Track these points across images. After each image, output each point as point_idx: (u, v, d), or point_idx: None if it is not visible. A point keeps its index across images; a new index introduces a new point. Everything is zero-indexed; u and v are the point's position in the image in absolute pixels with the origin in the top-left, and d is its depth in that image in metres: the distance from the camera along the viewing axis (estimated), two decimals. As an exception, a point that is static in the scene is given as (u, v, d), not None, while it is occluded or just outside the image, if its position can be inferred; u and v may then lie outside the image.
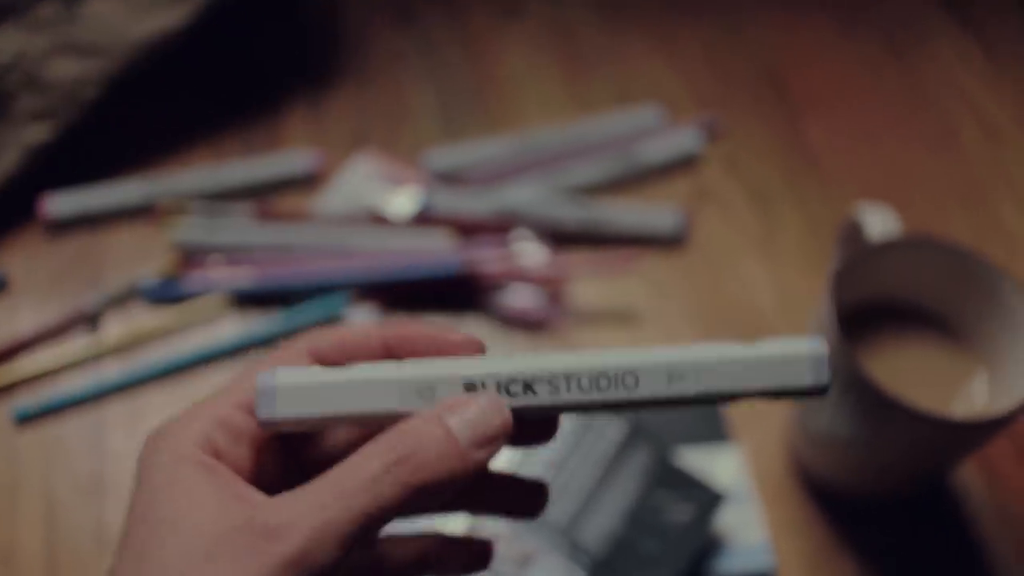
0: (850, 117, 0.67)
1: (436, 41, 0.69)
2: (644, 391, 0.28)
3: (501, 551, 0.46)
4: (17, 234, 0.58)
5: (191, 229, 0.57)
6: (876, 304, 0.50)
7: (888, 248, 0.47)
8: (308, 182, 0.61)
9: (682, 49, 0.70)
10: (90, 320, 0.55)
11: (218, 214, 0.58)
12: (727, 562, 0.49)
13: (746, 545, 0.50)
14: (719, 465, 0.52)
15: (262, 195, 0.61)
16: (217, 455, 0.27)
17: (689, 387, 0.28)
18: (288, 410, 0.27)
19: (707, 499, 0.48)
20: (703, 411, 0.53)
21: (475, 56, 0.68)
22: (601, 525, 0.47)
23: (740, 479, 0.51)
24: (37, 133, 0.58)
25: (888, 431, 0.44)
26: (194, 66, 0.65)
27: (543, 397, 0.28)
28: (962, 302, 0.48)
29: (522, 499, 0.32)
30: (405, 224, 0.58)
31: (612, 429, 0.50)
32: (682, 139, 0.64)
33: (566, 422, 0.49)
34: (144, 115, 0.63)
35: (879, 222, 0.50)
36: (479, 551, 0.32)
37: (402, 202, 0.59)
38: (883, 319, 0.50)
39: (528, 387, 0.28)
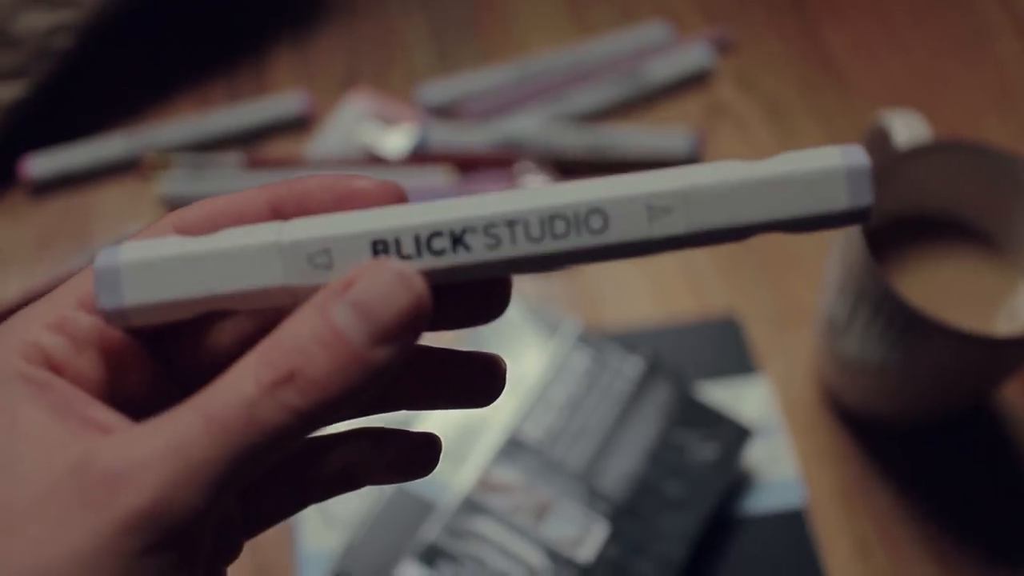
0: (871, 21, 0.63)
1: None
2: (616, 234, 0.21)
3: (515, 502, 0.43)
4: (-1, 198, 0.56)
5: (178, 182, 0.55)
6: (907, 217, 0.46)
7: (917, 154, 0.44)
8: (299, 126, 0.58)
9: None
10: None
11: (206, 165, 0.55)
12: (757, 499, 0.46)
13: (776, 480, 0.47)
14: (745, 398, 0.49)
15: (251, 142, 0.58)
16: (55, 368, 0.21)
17: (677, 223, 0.21)
18: (138, 295, 0.21)
19: (733, 435, 0.45)
20: (726, 340, 0.50)
21: (468, -18, 0.65)
22: (621, 469, 0.44)
23: (767, 411, 0.48)
24: (10, 91, 0.55)
25: (924, 353, 0.41)
26: (173, 10, 0.62)
27: (479, 253, 0.21)
28: (1001, 210, 0.44)
29: (471, 381, 0.24)
30: (402, 163, 0.55)
31: (628, 365, 0.47)
32: (691, 55, 0.60)
33: (579, 360, 0.47)
34: (123, 66, 0.60)
35: (907, 128, 0.46)
36: (424, 451, 0.25)
37: (397, 140, 0.56)
38: (915, 233, 0.46)
39: (458, 240, 0.21)
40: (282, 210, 0.23)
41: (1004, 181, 0.44)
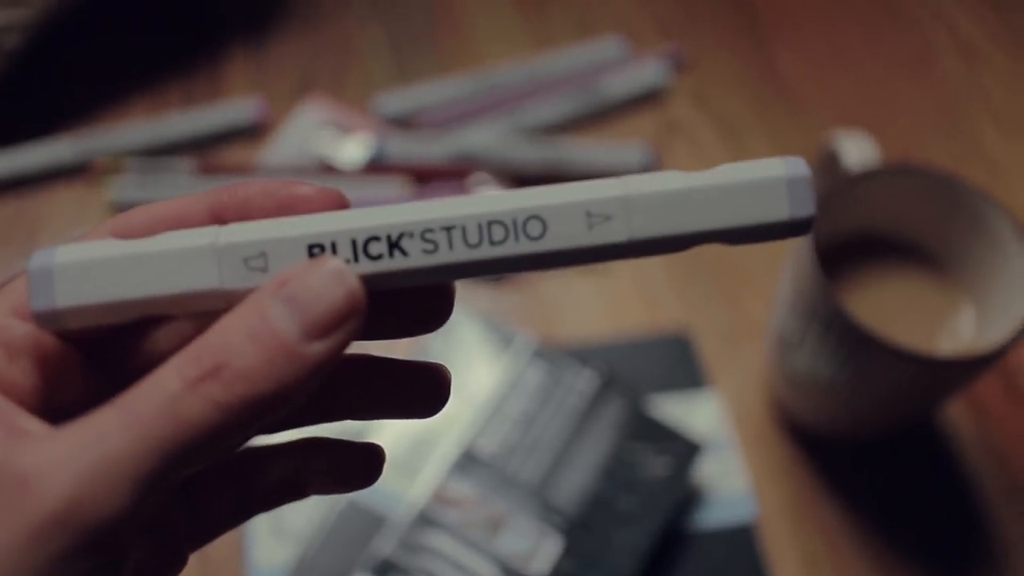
0: (821, 41, 0.64)
1: (384, -23, 0.65)
2: (555, 241, 0.20)
3: (469, 516, 0.43)
4: (-57, 201, 0.55)
5: (129, 187, 0.54)
6: (856, 237, 0.47)
7: (868, 177, 0.45)
8: (253, 133, 0.58)
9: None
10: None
11: (157, 170, 0.54)
12: (708, 514, 0.47)
13: (727, 495, 0.47)
14: (696, 412, 0.49)
15: (204, 148, 0.57)
16: None
17: (617, 231, 0.20)
18: (71, 297, 0.20)
19: (684, 451, 0.46)
20: (678, 355, 0.51)
21: (426, -8, 0.65)
22: (575, 483, 0.44)
23: (718, 427, 0.49)
24: (-43, 91, 0.54)
25: (871, 370, 0.42)
26: (127, 10, 0.61)
27: (416, 258, 0.21)
28: (947, 232, 0.46)
29: (416, 391, 0.24)
30: (357, 173, 0.55)
31: (582, 381, 0.47)
32: (646, 72, 0.60)
33: (533, 374, 0.47)
34: (74, 67, 0.59)
35: (856, 150, 0.47)
36: (367, 460, 0.25)
37: (353, 150, 0.56)
38: (863, 253, 0.47)
39: (395, 245, 0.20)
40: (223, 216, 0.22)
41: (949, 204, 0.45)
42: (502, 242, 0.21)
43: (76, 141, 0.56)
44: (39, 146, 0.55)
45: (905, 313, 0.45)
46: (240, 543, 0.45)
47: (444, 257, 0.21)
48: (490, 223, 0.21)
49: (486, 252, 0.21)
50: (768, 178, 0.21)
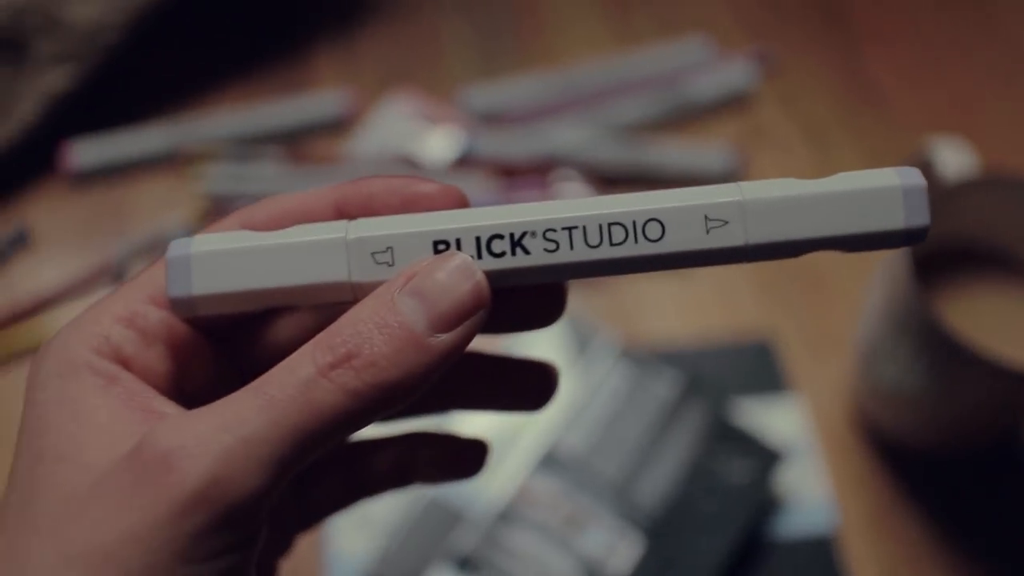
0: (912, 50, 0.63)
1: (471, -26, 0.66)
2: (673, 243, 0.21)
3: (551, 513, 0.43)
4: (39, 186, 0.56)
5: (218, 176, 0.55)
6: (952, 248, 0.46)
7: (966, 187, 0.44)
8: (341, 124, 0.58)
9: (732, -22, 0.66)
10: (116, 273, 0.53)
11: (246, 159, 0.55)
12: (788, 522, 0.46)
13: (807, 504, 0.47)
14: (778, 420, 0.49)
15: (293, 140, 0.58)
16: (123, 362, 0.21)
17: (735, 235, 0.21)
18: (206, 284, 0.21)
19: (765, 458, 0.45)
20: (760, 362, 0.50)
21: (512, -11, 0.65)
22: (656, 485, 0.44)
23: (800, 433, 0.48)
24: (57, 79, 0.55)
25: (964, 384, 0.41)
26: (219, 6, 0.62)
27: (537, 256, 0.21)
28: (1046, 245, 0.45)
29: (525, 386, 0.25)
30: (442, 167, 0.55)
31: (666, 384, 0.47)
32: (733, 74, 0.60)
33: (616, 379, 0.47)
34: (168, 59, 0.61)
35: (953, 158, 0.46)
36: (472, 453, 0.26)
37: (440, 143, 0.56)
38: (960, 264, 0.46)
39: (517, 243, 0.21)
40: (347, 210, 0.23)
41: (1050, 216, 0.44)
42: (622, 243, 0.21)
43: (167, 131, 0.57)
44: (131, 135, 0.57)
45: (1000, 326, 0.44)
46: (321, 530, 0.46)
47: (565, 256, 0.21)
48: (610, 224, 0.21)
49: (606, 253, 0.21)
50: (884, 187, 0.21)
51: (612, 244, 0.21)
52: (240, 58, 0.61)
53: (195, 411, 0.20)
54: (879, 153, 0.58)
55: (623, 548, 0.43)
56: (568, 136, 0.56)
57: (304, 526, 0.26)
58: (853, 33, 0.63)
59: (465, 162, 0.56)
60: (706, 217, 0.21)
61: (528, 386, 0.25)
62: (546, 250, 0.21)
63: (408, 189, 0.23)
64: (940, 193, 0.44)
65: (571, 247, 0.21)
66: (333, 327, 0.20)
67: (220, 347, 0.24)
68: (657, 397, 0.46)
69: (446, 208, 0.22)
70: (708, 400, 0.46)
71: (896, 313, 0.42)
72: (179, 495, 0.18)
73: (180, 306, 0.21)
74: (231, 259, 0.21)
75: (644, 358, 0.48)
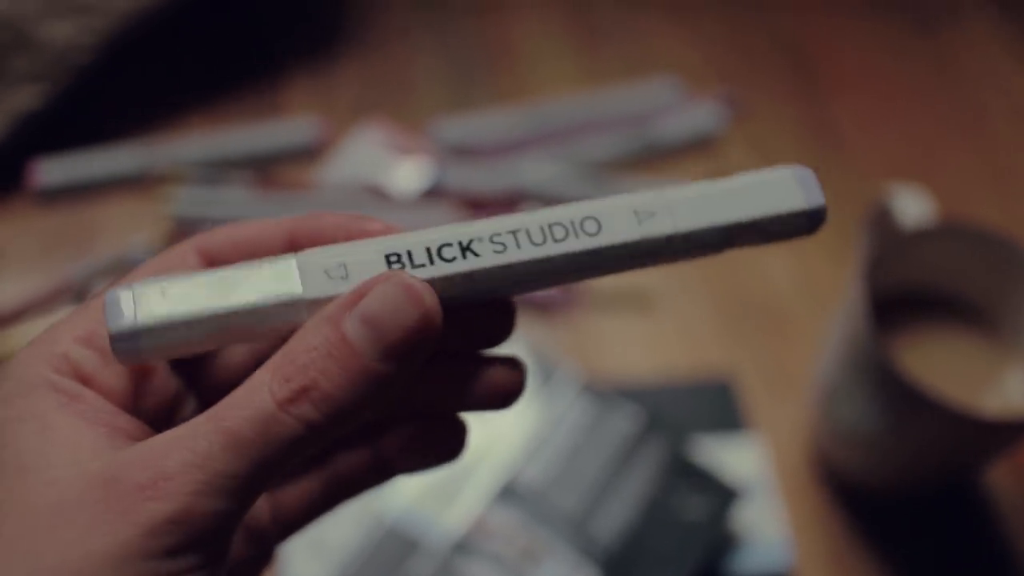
0: (876, 97, 0.64)
1: (447, 8, 0.66)
2: (610, 236, 0.23)
3: (508, 545, 0.43)
4: (5, 202, 0.56)
5: (186, 200, 0.55)
6: (910, 293, 0.47)
7: (923, 235, 0.45)
8: (311, 152, 0.59)
9: (701, 23, 0.67)
10: (78, 292, 0.53)
11: (215, 183, 0.55)
12: (743, 560, 0.47)
13: (763, 542, 0.47)
14: (737, 456, 0.49)
15: (262, 166, 0.58)
16: (84, 380, 0.22)
17: (664, 225, 0.23)
18: (150, 313, 0.21)
19: (723, 496, 0.46)
20: (720, 401, 0.51)
21: (487, 25, 0.66)
22: (614, 519, 0.45)
23: (758, 472, 0.49)
24: (27, 98, 0.55)
25: (918, 426, 0.42)
26: (193, 30, 0.63)
27: (487, 258, 0.22)
28: (1000, 293, 0.46)
29: (493, 384, 0.25)
30: (411, 198, 0.56)
31: (626, 419, 0.47)
32: (700, 116, 0.61)
33: (577, 413, 0.47)
34: (140, 80, 0.61)
35: (911, 206, 0.47)
36: (449, 435, 0.26)
37: (409, 174, 0.57)
38: (914, 309, 0.47)
39: (467, 248, 0.22)
40: (299, 242, 0.24)
41: (1003, 265, 0.45)
42: (563, 239, 0.23)
43: (136, 152, 0.57)
44: (99, 154, 0.57)
45: (954, 371, 0.45)
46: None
47: (511, 255, 0.22)
48: (551, 225, 0.23)
49: (548, 249, 0.23)
50: (781, 175, 0.24)
51: (555, 240, 0.23)
52: (212, 82, 0.61)
53: (162, 440, 0.20)
54: (840, 197, 0.59)
55: (579, 582, 0.43)
56: (537, 171, 0.57)
57: (283, 535, 0.26)
58: (818, 80, 0.65)
59: (434, 193, 0.56)
60: (635, 211, 0.23)
61: (496, 383, 0.25)
62: (495, 251, 0.22)
63: (356, 226, 0.24)
64: (898, 240, 0.45)
65: (518, 246, 0.22)
66: (285, 353, 0.21)
67: (177, 366, 0.24)
68: (617, 432, 0.47)
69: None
70: (668, 436, 0.47)
71: (853, 356, 0.43)
72: (149, 521, 0.19)
73: (122, 343, 0.21)
74: (171, 288, 0.21)
75: (605, 393, 0.48)
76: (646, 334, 0.54)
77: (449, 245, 0.22)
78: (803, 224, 0.24)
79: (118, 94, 0.60)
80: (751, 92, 0.64)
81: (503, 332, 0.25)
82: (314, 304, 0.21)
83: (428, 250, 0.22)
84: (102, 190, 0.56)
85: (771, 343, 0.54)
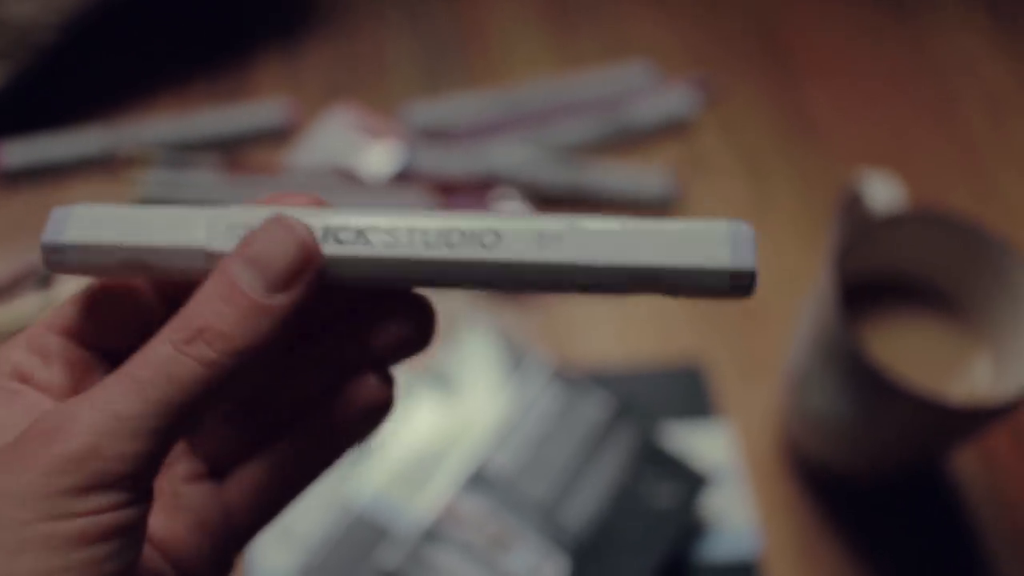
0: (850, 83, 0.64)
1: (418, -11, 0.66)
2: (505, 252, 0.22)
3: (477, 532, 0.43)
4: (-33, 183, 0.55)
5: (153, 183, 0.54)
6: (880, 280, 0.47)
7: (893, 222, 0.45)
8: (281, 135, 0.58)
9: (675, 6, 0.67)
10: (41, 277, 0.52)
11: (183, 165, 0.55)
12: (712, 546, 0.47)
13: (732, 528, 0.47)
14: (707, 443, 0.49)
15: (231, 148, 0.57)
16: (22, 378, 0.24)
17: (564, 252, 0.22)
18: (77, 234, 0.23)
19: (692, 482, 0.46)
20: (690, 387, 0.51)
21: (460, 7, 0.65)
22: (583, 506, 0.44)
23: (728, 458, 0.49)
24: (-11, 75, 0.54)
25: (887, 414, 0.42)
26: (161, 9, 0.62)
27: (377, 248, 0.23)
28: (969, 280, 0.46)
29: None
30: (382, 181, 0.55)
31: (596, 406, 0.47)
32: (673, 100, 0.61)
33: (547, 400, 0.47)
34: (106, 61, 0.60)
35: (883, 191, 0.47)
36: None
37: (380, 157, 0.56)
38: (884, 295, 0.47)
39: (361, 234, 0.23)
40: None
41: (973, 253, 0.45)
42: (456, 245, 0.22)
43: (102, 133, 0.56)
44: (65, 136, 0.56)
45: (923, 358, 0.45)
46: (244, 545, 0.45)
47: (402, 251, 0.23)
48: (450, 230, 0.23)
49: (439, 252, 0.23)
50: (714, 228, 0.22)
51: (448, 246, 0.23)
52: (180, 63, 0.60)
53: (79, 396, 0.22)
54: (812, 183, 0.59)
55: (548, 569, 0.43)
56: (508, 155, 0.56)
57: (243, 539, 0.26)
58: (792, 65, 0.65)
59: (405, 177, 0.55)
60: (540, 234, 0.22)
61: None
62: (386, 244, 0.23)
63: (281, 200, 0.25)
64: (869, 226, 0.45)
65: (409, 244, 0.23)
66: (185, 308, 0.22)
67: (113, 365, 0.25)
68: (587, 419, 0.47)
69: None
70: (637, 423, 0.47)
71: (824, 342, 0.43)
72: (53, 460, 0.20)
73: (51, 251, 0.24)
74: (105, 218, 0.24)
75: (576, 379, 0.48)
76: (617, 320, 0.53)
77: (346, 229, 0.23)
78: (723, 285, 0.22)
79: (84, 74, 0.59)
80: (725, 76, 0.63)
81: (422, 337, 0.25)
82: (212, 257, 0.23)
83: (326, 229, 0.23)
84: (67, 172, 0.56)
85: (742, 329, 0.54)
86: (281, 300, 0.22)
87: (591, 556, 0.43)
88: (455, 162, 0.56)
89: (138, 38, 0.61)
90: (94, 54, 0.59)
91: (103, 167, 0.56)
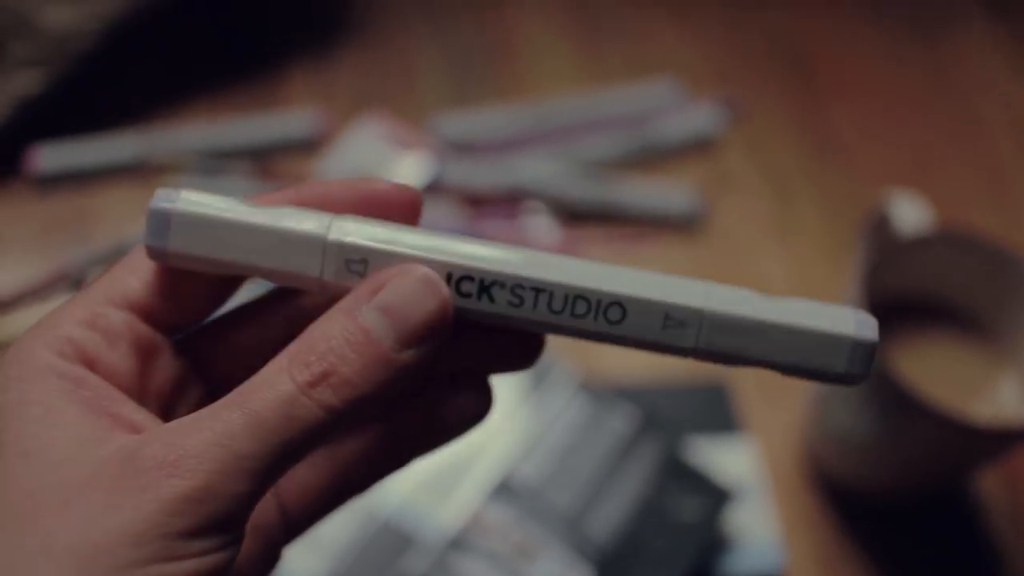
0: (875, 104, 0.65)
1: (449, 3, 0.66)
2: (629, 330, 0.22)
3: (503, 542, 0.44)
4: (3, 188, 0.56)
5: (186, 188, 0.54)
6: (907, 300, 0.47)
7: (922, 242, 0.45)
8: (312, 144, 0.58)
9: (702, 25, 0.67)
10: (75, 280, 0.52)
11: (215, 173, 0.55)
12: (735, 561, 0.47)
13: (755, 543, 0.48)
14: (730, 458, 0.49)
15: (262, 157, 0.58)
16: (88, 363, 0.22)
17: (687, 338, 0.22)
18: (181, 243, 0.22)
19: (716, 497, 0.46)
20: (715, 403, 0.51)
21: (488, 22, 0.66)
22: (608, 518, 0.45)
23: (751, 474, 0.49)
24: (27, 83, 0.55)
25: (912, 433, 0.42)
26: (196, 19, 0.62)
27: (500, 307, 0.22)
28: (996, 301, 0.46)
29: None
30: (410, 194, 0.56)
31: (622, 419, 0.47)
32: (700, 118, 0.61)
33: (573, 412, 0.47)
34: (141, 68, 0.60)
35: (909, 213, 0.47)
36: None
37: (409, 168, 0.57)
38: (910, 315, 0.47)
39: (485, 290, 0.22)
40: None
41: (1000, 274, 0.45)
42: (582, 317, 0.22)
43: (136, 140, 0.56)
44: (99, 142, 0.56)
45: (948, 378, 0.46)
46: (270, 550, 0.45)
47: (526, 314, 0.22)
48: (576, 297, 0.22)
49: (564, 320, 0.22)
50: (838, 335, 0.22)
51: (574, 315, 0.22)
52: (213, 72, 0.61)
53: (183, 423, 0.21)
54: (837, 202, 0.60)
55: (572, 580, 0.43)
56: (536, 169, 0.57)
57: (292, 534, 0.26)
58: (816, 84, 0.65)
59: (433, 189, 0.56)
60: (666, 316, 0.22)
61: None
62: (510, 303, 0.22)
63: (363, 187, 0.24)
64: (896, 247, 0.45)
65: (535, 307, 0.22)
66: (305, 341, 0.21)
67: (182, 346, 0.24)
68: (612, 431, 0.47)
69: (402, 207, 0.24)
70: (662, 437, 0.47)
71: (849, 360, 0.43)
72: (172, 498, 0.19)
73: (153, 255, 0.22)
74: (211, 226, 0.22)
75: (601, 392, 0.48)
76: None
77: (471, 279, 0.22)
78: (836, 381, 0.23)
79: (119, 81, 0.60)
80: (750, 94, 0.64)
81: (527, 358, 0.26)
82: (328, 286, 0.22)
83: (449, 276, 0.22)
84: (101, 177, 0.56)
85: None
86: (411, 356, 0.21)
87: (615, 567, 0.44)
88: (483, 175, 0.56)
89: (173, 47, 0.62)
90: (129, 62, 0.60)
91: (136, 173, 0.56)
